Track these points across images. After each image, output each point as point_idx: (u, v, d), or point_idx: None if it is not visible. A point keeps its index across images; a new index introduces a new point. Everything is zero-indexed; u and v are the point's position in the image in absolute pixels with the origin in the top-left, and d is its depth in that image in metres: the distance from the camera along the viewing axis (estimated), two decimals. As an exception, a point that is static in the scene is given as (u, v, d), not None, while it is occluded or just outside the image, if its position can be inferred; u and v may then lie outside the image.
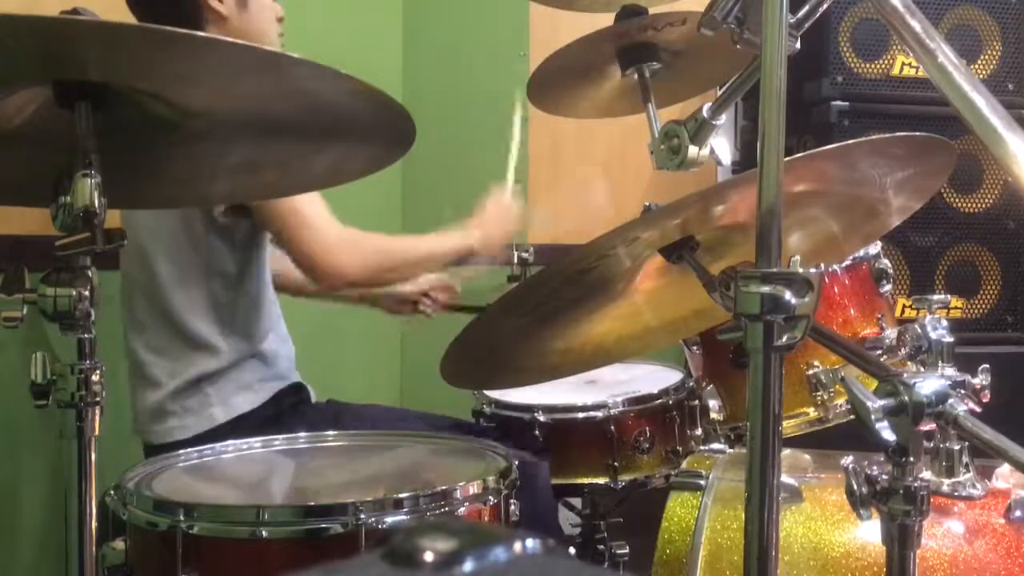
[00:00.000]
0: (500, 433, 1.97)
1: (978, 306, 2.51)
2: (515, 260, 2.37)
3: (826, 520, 1.28)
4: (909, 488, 0.95)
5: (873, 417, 0.92)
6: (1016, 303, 2.51)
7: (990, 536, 1.24)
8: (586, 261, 1.14)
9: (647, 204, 1.74)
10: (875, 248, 1.68)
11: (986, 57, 2.48)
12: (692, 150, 1.13)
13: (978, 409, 0.99)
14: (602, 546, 2.24)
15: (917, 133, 1.12)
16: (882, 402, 0.92)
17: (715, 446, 1.62)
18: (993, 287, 2.52)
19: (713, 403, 1.70)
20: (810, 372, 1.54)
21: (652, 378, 2.21)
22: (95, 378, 1.09)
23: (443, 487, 1.29)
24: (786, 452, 1.46)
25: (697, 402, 2.04)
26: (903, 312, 2.29)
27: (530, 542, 0.41)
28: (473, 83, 3.18)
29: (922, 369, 1.22)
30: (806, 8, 0.99)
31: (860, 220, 1.33)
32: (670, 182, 1.89)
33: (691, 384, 2.09)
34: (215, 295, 1.91)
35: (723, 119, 1.12)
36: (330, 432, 1.63)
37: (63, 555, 1.12)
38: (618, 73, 1.48)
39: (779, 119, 0.88)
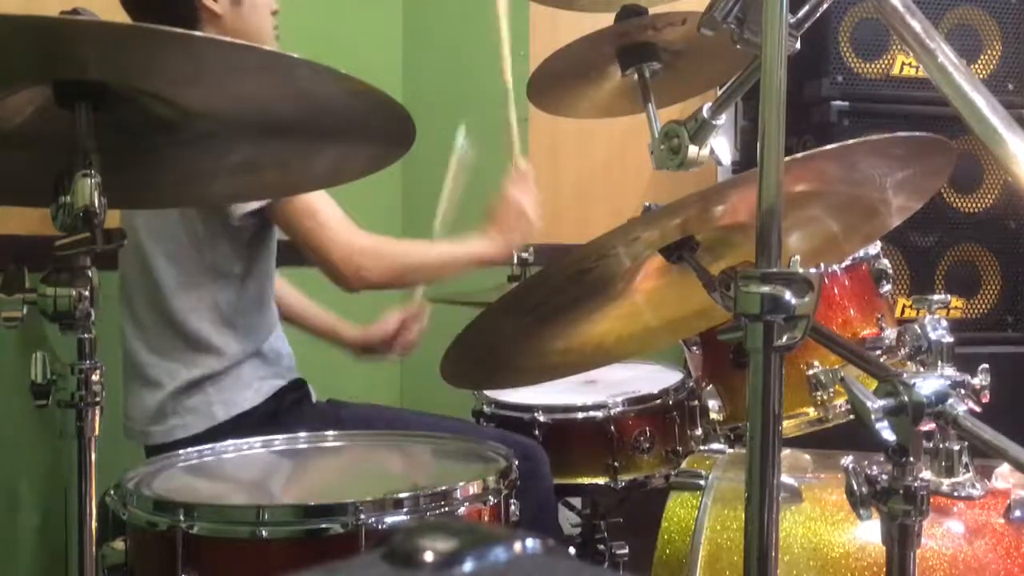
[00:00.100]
0: (500, 433, 1.97)
1: (978, 306, 2.51)
2: (515, 260, 2.37)
3: (826, 520, 1.28)
4: (909, 488, 0.95)
5: (873, 417, 0.92)
6: (1016, 303, 2.52)
7: (990, 536, 1.24)
8: (586, 261, 1.14)
9: (647, 204, 1.75)
10: (875, 248, 1.68)
11: (986, 57, 2.48)
12: (692, 150, 1.13)
13: (978, 409, 0.99)
14: (602, 546, 2.24)
15: (917, 133, 1.12)
16: (882, 402, 0.92)
17: (715, 446, 1.62)
18: (993, 287, 2.52)
19: (713, 403, 1.70)
20: (810, 372, 1.53)
21: (652, 378, 2.21)
22: (95, 378, 1.09)
23: (443, 487, 1.28)
24: (786, 452, 1.46)
25: (697, 402, 2.04)
26: (903, 312, 2.29)
27: (530, 542, 0.41)
28: (473, 83, 3.17)
29: (922, 369, 1.22)
30: (806, 8, 0.99)
31: (860, 220, 1.33)
32: (670, 182, 1.89)
33: (691, 384, 2.09)
34: (218, 296, 1.91)
35: (723, 119, 1.12)
36: (330, 432, 1.62)
37: (63, 555, 1.12)
38: (618, 73, 1.48)
39: (779, 119, 0.88)
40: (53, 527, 2.21)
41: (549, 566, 0.40)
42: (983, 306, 2.51)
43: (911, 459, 0.94)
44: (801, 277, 0.88)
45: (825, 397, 1.55)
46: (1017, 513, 1.24)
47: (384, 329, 2.26)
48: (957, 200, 2.49)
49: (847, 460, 1.00)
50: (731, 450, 1.57)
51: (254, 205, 1.86)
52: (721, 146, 1.15)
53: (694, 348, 1.79)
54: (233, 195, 1.63)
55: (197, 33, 1.46)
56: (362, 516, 1.20)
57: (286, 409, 1.95)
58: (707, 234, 1.17)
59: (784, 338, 0.88)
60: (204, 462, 1.51)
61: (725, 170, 2.34)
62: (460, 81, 3.17)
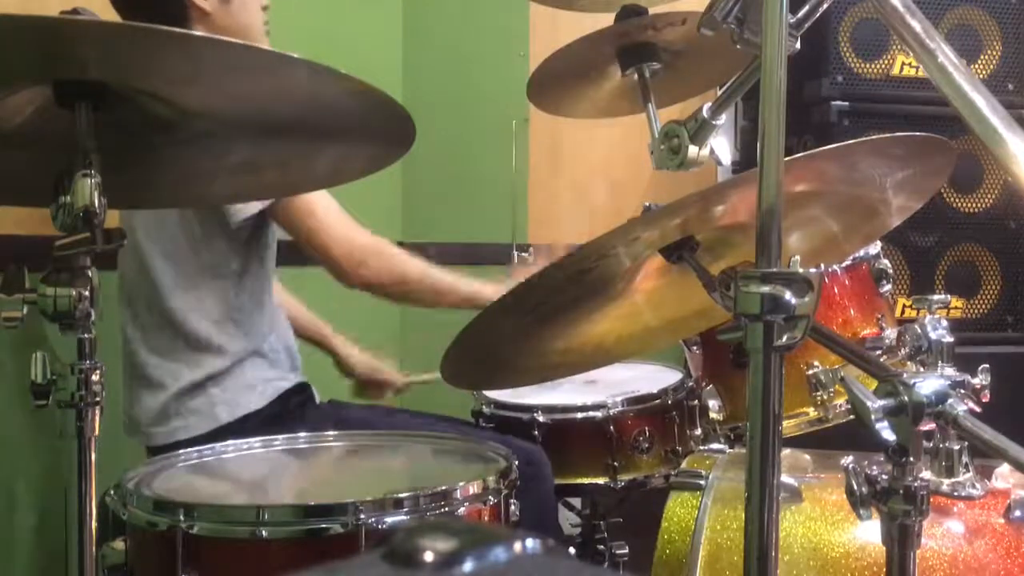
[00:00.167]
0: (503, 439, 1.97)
1: (978, 306, 2.51)
2: (515, 260, 2.37)
3: (826, 520, 1.28)
4: (909, 488, 0.95)
5: (873, 417, 0.92)
6: (1016, 303, 2.52)
7: (990, 536, 1.24)
8: (586, 261, 1.14)
9: (647, 204, 1.74)
10: (875, 248, 1.68)
11: (986, 57, 2.48)
12: (692, 150, 1.13)
13: (978, 409, 0.99)
14: (602, 546, 2.24)
15: (917, 133, 1.12)
16: (882, 402, 0.92)
17: (715, 446, 1.62)
18: (993, 287, 2.52)
19: (713, 403, 1.70)
20: (810, 372, 1.53)
21: (652, 378, 2.21)
22: (95, 378, 1.09)
23: (443, 487, 1.28)
24: (786, 452, 1.46)
25: (697, 402, 2.04)
26: (903, 312, 2.29)
27: (530, 542, 0.41)
28: (473, 83, 3.18)
29: (922, 369, 1.22)
30: (806, 8, 0.99)
31: (860, 220, 1.33)
32: (670, 182, 1.89)
33: (691, 384, 2.09)
34: (217, 295, 1.91)
35: (723, 119, 1.12)
36: (330, 432, 1.62)
37: (61, 555, 1.12)
38: (618, 73, 1.48)
39: (779, 119, 0.88)
40: (51, 527, 2.21)
41: (549, 566, 0.40)
42: (983, 306, 2.51)
43: (911, 459, 0.94)
44: (801, 277, 0.88)
45: (825, 397, 1.55)
46: (1017, 513, 1.24)
47: (389, 377, 2.34)
48: (957, 200, 2.49)
49: (847, 460, 1.00)
50: (731, 450, 1.57)
51: (253, 209, 1.86)
52: (721, 146, 1.15)
53: (694, 348, 1.79)
54: (233, 195, 1.62)
55: (197, 33, 1.46)
56: (362, 516, 1.20)
57: (289, 412, 1.95)
58: (707, 234, 1.17)
59: (784, 338, 0.88)
60: (204, 462, 1.51)
61: (725, 170, 2.34)
62: (460, 81, 3.18)
